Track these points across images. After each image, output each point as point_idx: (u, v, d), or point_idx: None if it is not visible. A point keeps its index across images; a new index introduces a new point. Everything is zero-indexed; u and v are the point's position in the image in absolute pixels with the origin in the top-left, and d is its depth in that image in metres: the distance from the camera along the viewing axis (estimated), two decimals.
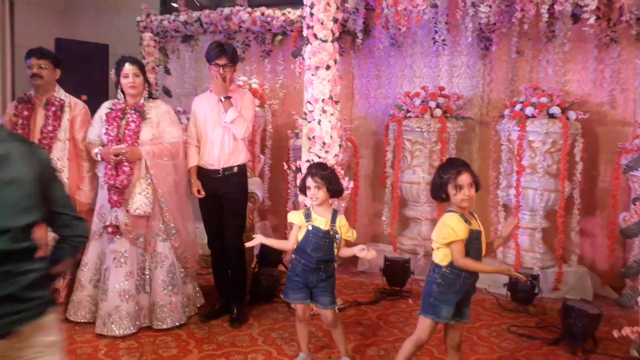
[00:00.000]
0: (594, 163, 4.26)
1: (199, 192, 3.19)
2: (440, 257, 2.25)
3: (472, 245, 2.21)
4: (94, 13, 6.48)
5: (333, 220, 2.54)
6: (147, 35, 5.56)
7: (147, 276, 3.02)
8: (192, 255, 3.24)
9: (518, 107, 4.00)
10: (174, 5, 6.16)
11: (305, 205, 3.35)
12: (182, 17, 5.37)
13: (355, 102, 5.00)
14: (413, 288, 3.98)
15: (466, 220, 2.21)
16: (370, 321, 3.38)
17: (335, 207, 2.86)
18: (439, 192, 2.27)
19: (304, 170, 3.41)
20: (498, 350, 2.95)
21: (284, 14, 4.96)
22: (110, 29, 6.26)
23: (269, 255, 4.02)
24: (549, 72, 4.31)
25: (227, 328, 3.14)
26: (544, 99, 3.91)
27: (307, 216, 2.57)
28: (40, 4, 6.22)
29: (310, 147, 3.39)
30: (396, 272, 3.97)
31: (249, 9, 5.09)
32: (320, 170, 2.57)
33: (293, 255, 2.63)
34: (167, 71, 5.68)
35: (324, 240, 2.52)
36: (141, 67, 3.06)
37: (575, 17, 3.90)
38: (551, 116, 3.90)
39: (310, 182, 2.54)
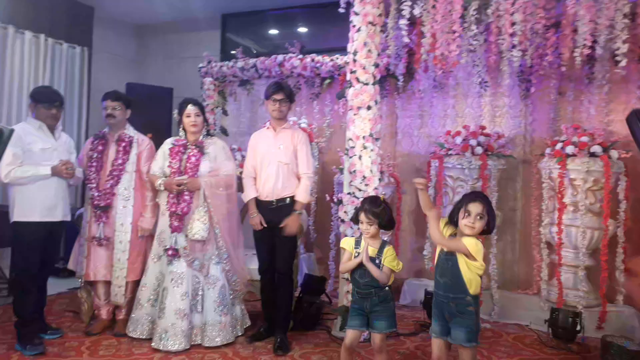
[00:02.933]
0: None
1: (261, 223, 3.41)
2: None
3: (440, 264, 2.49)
4: (162, 60, 7.14)
5: (380, 250, 2.71)
6: (208, 80, 6.06)
7: (200, 297, 3.28)
8: (241, 278, 3.49)
9: (559, 146, 4.08)
10: (232, 52, 6.71)
11: (345, 234, 3.56)
12: (240, 63, 5.84)
13: (398, 140, 5.22)
14: None
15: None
16: (408, 351, 3.47)
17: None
18: (453, 214, 2.46)
19: (345, 202, 3.64)
20: None
21: (332, 59, 5.31)
22: (175, 74, 6.88)
23: (313, 284, 4.21)
24: (592, 112, 4.37)
25: (270, 349, 3.34)
26: (584, 138, 3.98)
27: (357, 243, 2.77)
28: (115, 52, 6.94)
29: (351, 181, 3.61)
30: None
31: (301, 56, 5.48)
32: (373, 207, 2.70)
33: (344, 278, 2.82)
34: (224, 112, 6.13)
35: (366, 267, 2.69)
36: (201, 108, 3.44)
37: (614, 59, 4.00)
38: (592, 155, 3.96)
39: (362, 217, 2.71)
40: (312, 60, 5.40)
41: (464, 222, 2.39)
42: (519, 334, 3.88)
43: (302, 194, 3.41)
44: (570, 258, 4.08)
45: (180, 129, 3.45)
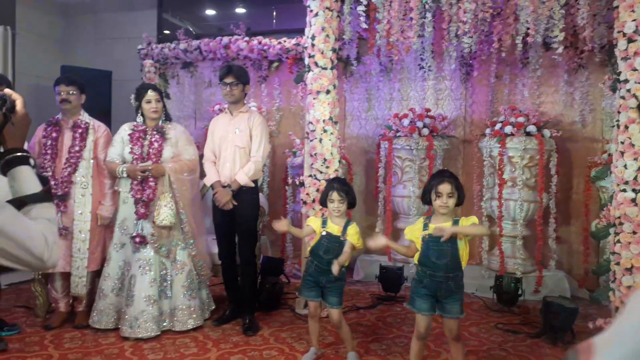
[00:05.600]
0: (568, 176, 4.68)
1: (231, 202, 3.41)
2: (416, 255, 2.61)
3: (429, 247, 2.53)
4: (93, 41, 6.79)
5: (344, 229, 2.85)
6: (148, 62, 5.86)
7: (168, 282, 3.28)
8: (205, 263, 3.52)
9: (498, 126, 4.40)
10: (166, 32, 6.54)
11: (308, 215, 3.67)
12: (182, 45, 5.70)
13: (347, 123, 5.37)
14: (407, 294, 4.29)
15: (425, 226, 2.56)
16: (370, 322, 3.67)
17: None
18: (425, 196, 2.63)
19: (306, 184, 3.74)
20: (487, 343, 3.27)
21: (279, 42, 5.33)
22: (109, 56, 6.57)
23: (272, 266, 4.31)
24: (525, 94, 4.74)
25: (239, 331, 3.40)
26: (521, 119, 4.32)
27: (324, 223, 2.89)
28: (41, 33, 6.51)
29: (312, 164, 3.71)
30: (391, 279, 4.29)
31: (247, 38, 5.45)
32: (343, 185, 2.87)
33: (308, 257, 2.94)
34: (167, 96, 5.96)
35: (334, 245, 2.83)
36: (160, 94, 3.39)
37: (547, 46, 4.36)
38: (528, 134, 4.31)
39: (335, 196, 2.82)
40: (259, 42, 5.38)
41: (437, 203, 2.53)
42: (466, 302, 4.15)
43: (241, 174, 3.39)
44: (509, 229, 4.45)
45: (139, 114, 3.38)
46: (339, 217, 2.88)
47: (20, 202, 1.03)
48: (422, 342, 2.63)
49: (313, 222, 2.98)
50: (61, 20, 6.83)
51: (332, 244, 2.84)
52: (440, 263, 2.50)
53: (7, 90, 1.15)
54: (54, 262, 1.04)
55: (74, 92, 3.39)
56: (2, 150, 1.12)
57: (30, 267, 1.02)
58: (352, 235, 2.86)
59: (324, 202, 2.95)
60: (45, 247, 1.01)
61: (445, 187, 2.54)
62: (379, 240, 2.64)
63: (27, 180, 1.09)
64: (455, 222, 2.56)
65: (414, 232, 2.62)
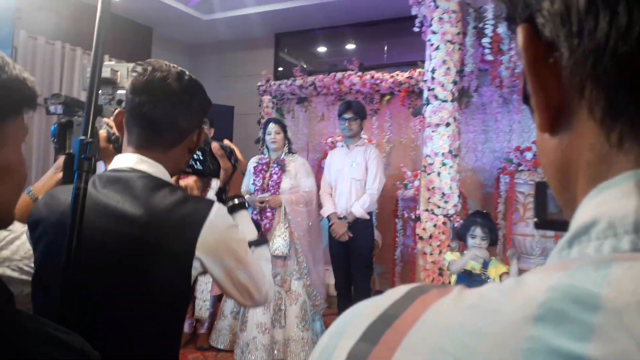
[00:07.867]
0: None
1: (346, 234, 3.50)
2: None
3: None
4: (217, 79, 7.33)
5: (484, 266, 2.71)
6: (266, 97, 6.19)
7: (283, 311, 3.34)
8: (319, 294, 3.54)
9: None
10: (280, 69, 6.87)
11: (419, 251, 3.56)
12: (299, 81, 5.94)
13: (462, 156, 5.19)
14: None
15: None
16: None
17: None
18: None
19: (423, 219, 3.64)
20: None
21: (392, 76, 5.36)
22: (230, 92, 7.04)
23: None
24: None
25: None
26: None
27: None
28: None
29: (429, 198, 3.61)
30: None
31: (360, 73, 5.55)
32: (488, 221, 2.76)
33: None
34: None
35: (476, 284, 2.68)
36: (282, 127, 3.54)
37: None
38: None
39: (479, 232, 2.73)
40: (372, 77, 5.45)
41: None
42: None
43: (357, 206, 3.50)
44: None
45: (264, 147, 3.55)
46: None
47: None
48: None
49: (453, 258, 2.86)
50: (190, 60, 7.48)
51: (472, 284, 2.70)
52: None
53: (226, 141, 1.25)
54: (270, 299, 1.12)
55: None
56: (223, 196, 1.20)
57: (252, 300, 1.06)
58: (496, 271, 2.71)
59: (463, 237, 2.84)
60: (269, 285, 1.08)
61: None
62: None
63: (247, 224, 1.18)
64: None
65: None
